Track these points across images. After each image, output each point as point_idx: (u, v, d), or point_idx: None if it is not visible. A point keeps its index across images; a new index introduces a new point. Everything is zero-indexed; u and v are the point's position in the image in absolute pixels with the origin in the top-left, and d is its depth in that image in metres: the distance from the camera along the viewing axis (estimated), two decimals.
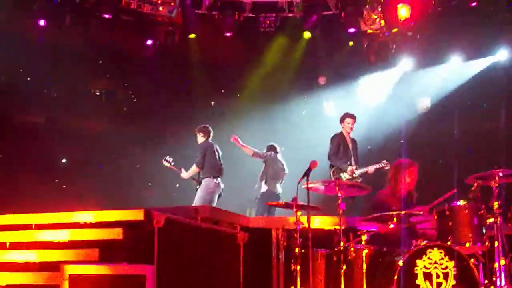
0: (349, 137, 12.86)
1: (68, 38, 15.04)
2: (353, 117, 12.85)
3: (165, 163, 13.60)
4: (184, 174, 13.32)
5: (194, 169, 13.13)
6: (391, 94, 17.09)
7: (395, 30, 15.31)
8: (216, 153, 13.21)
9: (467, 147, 15.50)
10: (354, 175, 12.48)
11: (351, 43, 16.33)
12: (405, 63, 16.49)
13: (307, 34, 15.97)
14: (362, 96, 17.39)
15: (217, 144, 13.40)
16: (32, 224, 8.23)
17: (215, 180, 12.96)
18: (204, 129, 13.34)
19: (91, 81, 17.16)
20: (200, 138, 13.28)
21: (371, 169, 12.60)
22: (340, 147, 12.67)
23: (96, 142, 16.50)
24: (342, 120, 12.86)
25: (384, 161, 12.54)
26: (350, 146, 12.79)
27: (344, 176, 12.41)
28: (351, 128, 12.79)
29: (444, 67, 16.50)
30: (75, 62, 15.61)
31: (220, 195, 13.14)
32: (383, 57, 16.23)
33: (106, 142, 16.51)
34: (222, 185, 13.15)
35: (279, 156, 14.19)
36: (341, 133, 12.84)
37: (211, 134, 13.36)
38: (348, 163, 12.61)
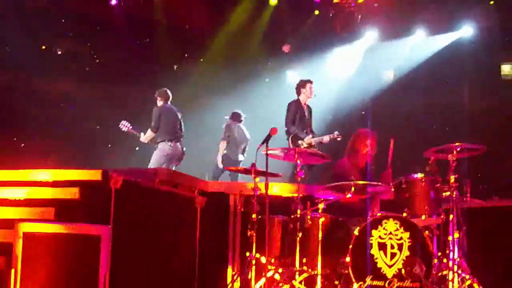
0: (305, 104, 12.82)
1: None
2: (311, 81, 12.83)
3: (122, 127, 13.31)
4: (143, 138, 13.16)
5: (149, 132, 12.97)
6: (357, 65, 17.09)
7: (361, 0, 15.30)
8: (174, 116, 13.07)
9: (430, 120, 15.61)
10: (312, 144, 12.45)
11: (317, 12, 16.29)
12: (371, 34, 16.50)
13: (273, 1, 15.91)
14: (327, 66, 17.34)
15: (179, 108, 13.29)
16: None
17: (170, 143, 12.79)
18: (162, 93, 13.18)
19: (54, 41, 16.88)
20: (159, 102, 13.15)
21: (326, 138, 12.57)
22: (297, 114, 12.62)
23: (57, 101, 16.31)
24: (303, 86, 12.76)
25: (336, 132, 12.58)
26: (306, 113, 12.75)
27: (302, 143, 12.37)
28: (312, 92, 12.77)
29: (409, 40, 16.53)
30: (38, 21, 15.37)
31: (180, 159, 13.05)
32: (349, 27, 16.18)
33: (67, 102, 16.34)
34: (182, 149, 13.05)
35: (242, 124, 14.17)
36: (298, 100, 12.75)
37: (170, 97, 13.20)
38: (305, 131, 12.59)
